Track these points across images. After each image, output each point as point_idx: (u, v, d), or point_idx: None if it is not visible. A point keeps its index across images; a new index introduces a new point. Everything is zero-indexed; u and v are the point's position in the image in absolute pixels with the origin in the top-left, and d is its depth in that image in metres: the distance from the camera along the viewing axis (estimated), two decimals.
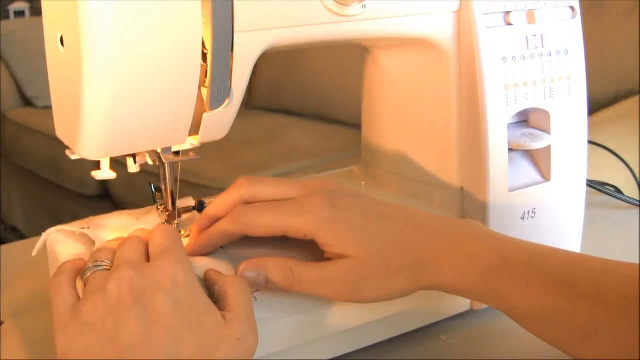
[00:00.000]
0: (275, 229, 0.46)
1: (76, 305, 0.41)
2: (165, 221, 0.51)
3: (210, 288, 0.43)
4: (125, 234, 0.49)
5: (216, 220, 0.48)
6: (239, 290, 0.43)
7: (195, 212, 0.53)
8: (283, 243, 0.47)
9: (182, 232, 0.52)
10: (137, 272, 0.41)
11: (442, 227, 0.46)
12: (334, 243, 0.45)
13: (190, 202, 0.54)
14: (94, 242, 0.50)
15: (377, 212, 0.47)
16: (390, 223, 0.46)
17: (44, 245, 0.52)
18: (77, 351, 0.38)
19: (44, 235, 0.51)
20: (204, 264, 0.47)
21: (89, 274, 0.43)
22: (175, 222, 0.52)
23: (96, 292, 0.40)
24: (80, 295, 0.42)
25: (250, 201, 0.47)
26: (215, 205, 0.49)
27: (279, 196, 0.47)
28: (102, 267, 0.43)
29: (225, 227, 0.47)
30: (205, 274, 0.45)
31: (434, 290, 0.45)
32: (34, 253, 0.52)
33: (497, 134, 0.53)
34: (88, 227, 0.50)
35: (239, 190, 0.48)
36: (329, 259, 0.45)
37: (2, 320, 0.54)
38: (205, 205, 0.52)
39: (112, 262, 0.44)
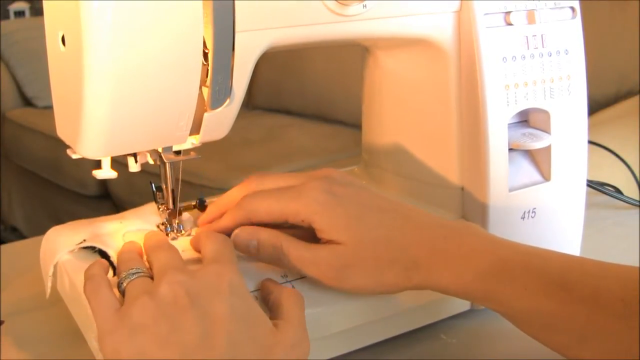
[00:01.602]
0: (276, 213, 0.47)
1: (121, 308, 0.40)
2: (166, 220, 0.52)
3: (265, 297, 0.45)
4: (120, 239, 0.49)
5: (224, 212, 0.49)
6: (293, 300, 0.44)
7: (196, 210, 0.54)
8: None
9: (183, 232, 0.52)
10: (189, 276, 0.41)
11: (440, 227, 0.46)
12: (327, 229, 0.45)
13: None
14: (93, 248, 0.49)
15: (375, 204, 0.47)
16: (386, 217, 0.46)
17: (55, 277, 0.50)
18: (129, 353, 0.38)
19: (50, 270, 0.49)
20: None
21: (126, 283, 0.42)
22: (176, 221, 0.52)
23: (145, 295, 0.40)
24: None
25: None
26: (225, 198, 0.50)
27: (283, 186, 0.48)
28: (140, 274, 0.43)
29: (232, 215, 0.48)
30: (262, 283, 0.46)
31: (426, 289, 0.45)
32: (47, 295, 0.50)
33: (498, 134, 0.53)
34: (84, 240, 0.49)
35: (248, 184, 0.50)
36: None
37: (2, 319, 0.54)
38: (205, 203, 0.53)
39: (146, 270, 0.44)
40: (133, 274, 0.43)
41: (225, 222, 0.49)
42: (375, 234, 0.45)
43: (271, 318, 0.42)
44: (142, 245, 0.48)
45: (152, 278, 0.43)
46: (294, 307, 0.44)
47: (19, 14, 2.98)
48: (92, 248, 0.49)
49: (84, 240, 0.49)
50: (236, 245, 0.47)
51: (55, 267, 0.49)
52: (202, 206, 0.53)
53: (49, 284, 0.49)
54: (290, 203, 0.46)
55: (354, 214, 0.45)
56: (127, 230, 0.50)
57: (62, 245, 0.49)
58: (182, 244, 0.50)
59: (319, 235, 0.46)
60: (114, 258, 0.47)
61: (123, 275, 0.43)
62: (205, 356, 0.38)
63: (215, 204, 0.51)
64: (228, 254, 0.45)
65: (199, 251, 0.48)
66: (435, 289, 0.45)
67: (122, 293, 0.42)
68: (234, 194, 0.50)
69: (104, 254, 0.48)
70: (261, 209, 0.47)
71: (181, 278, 0.41)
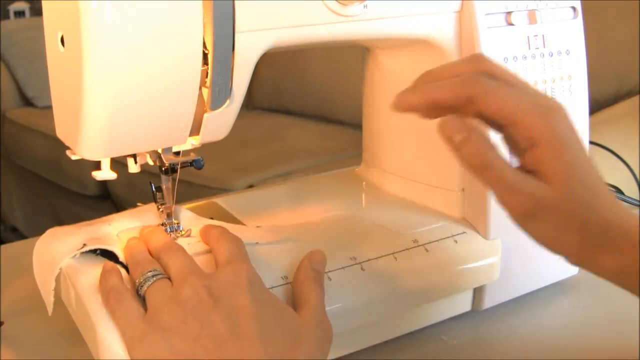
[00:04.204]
0: (507, 112, 0.38)
1: (147, 315, 0.42)
2: (166, 220, 0.51)
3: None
4: (115, 239, 0.49)
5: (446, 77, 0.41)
6: (307, 286, 0.45)
7: (195, 206, 0.54)
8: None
9: (182, 232, 0.51)
10: (209, 279, 0.43)
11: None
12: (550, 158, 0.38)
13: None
14: (94, 251, 0.49)
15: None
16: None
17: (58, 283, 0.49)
18: (165, 354, 0.39)
19: (52, 285, 0.47)
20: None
21: (146, 287, 0.43)
22: (175, 221, 0.52)
23: (170, 300, 0.41)
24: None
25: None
26: (443, 68, 0.42)
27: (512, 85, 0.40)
28: (159, 277, 0.44)
29: (455, 87, 0.40)
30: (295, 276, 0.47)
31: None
32: (50, 312, 0.48)
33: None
34: (85, 245, 0.48)
35: (475, 60, 0.41)
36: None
37: (2, 320, 0.54)
38: (202, 162, 0.50)
39: (161, 270, 0.44)
40: (151, 277, 0.44)
41: (440, 91, 0.40)
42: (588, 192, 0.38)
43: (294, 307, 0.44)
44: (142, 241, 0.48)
45: (168, 278, 0.44)
46: (308, 291, 0.45)
47: (19, 14, 2.98)
48: (93, 251, 0.48)
49: (84, 245, 0.48)
50: (440, 127, 0.39)
51: (57, 278, 0.48)
52: (198, 165, 0.50)
53: (51, 299, 0.48)
54: (531, 110, 0.38)
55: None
56: (119, 230, 0.50)
57: (60, 255, 0.48)
58: (183, 242, 0.50)
59: (532, 152, 0.38)
60: (121, 257, 0.47)
61: (141, 279, 0.44)
62: (240, 345, 0.39)
63: (429, 72, 0.43)
64: (242, 253, 0.46)
65: (206, 243, 0.49)
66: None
67: (141, 297, 0.43)
68: (457, 66, 0.41)
69: (105, 255, 0.48)
70: (496, 98, 0.38)
71: (202, 281, 0.42)
